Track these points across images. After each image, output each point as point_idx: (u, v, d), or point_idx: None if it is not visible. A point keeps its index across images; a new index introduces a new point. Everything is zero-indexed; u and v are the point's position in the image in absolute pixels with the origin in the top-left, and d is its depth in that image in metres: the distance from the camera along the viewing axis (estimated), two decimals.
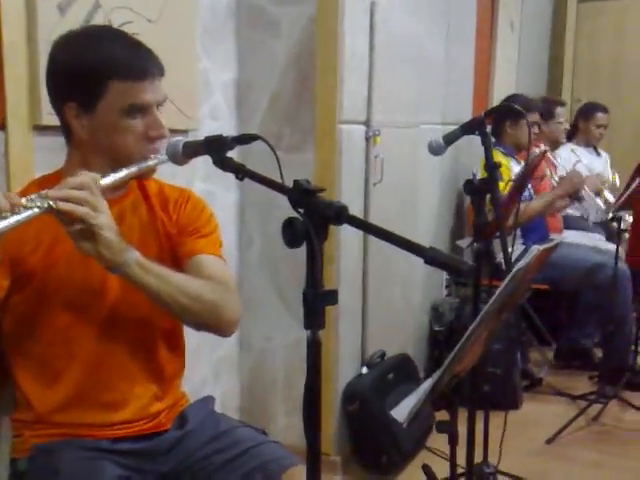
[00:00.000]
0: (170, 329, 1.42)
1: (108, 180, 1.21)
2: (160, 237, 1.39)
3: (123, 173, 1.24)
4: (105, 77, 1.24)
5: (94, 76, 1.24)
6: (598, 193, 3.60)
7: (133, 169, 1.26)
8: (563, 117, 4.07)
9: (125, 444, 1.35)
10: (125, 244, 1.19)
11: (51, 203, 1.09)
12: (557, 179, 3.46)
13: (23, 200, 1.07)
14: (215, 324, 1.34)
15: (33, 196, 1.09)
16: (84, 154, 1.31)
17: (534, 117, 3.36)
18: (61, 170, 1.37)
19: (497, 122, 3.41)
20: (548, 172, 3.47)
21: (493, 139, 3.43)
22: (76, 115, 1.27)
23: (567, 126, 4.22)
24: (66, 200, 1.11)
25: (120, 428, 1.35)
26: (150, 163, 1.29)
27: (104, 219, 1.14)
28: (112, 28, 1.37)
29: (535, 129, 3.38)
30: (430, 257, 0.92)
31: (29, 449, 1.32)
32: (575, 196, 3.32)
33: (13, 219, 1.04)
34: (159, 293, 1.23)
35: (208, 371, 2.39)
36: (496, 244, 2.20)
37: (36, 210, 1.07)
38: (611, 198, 3.57)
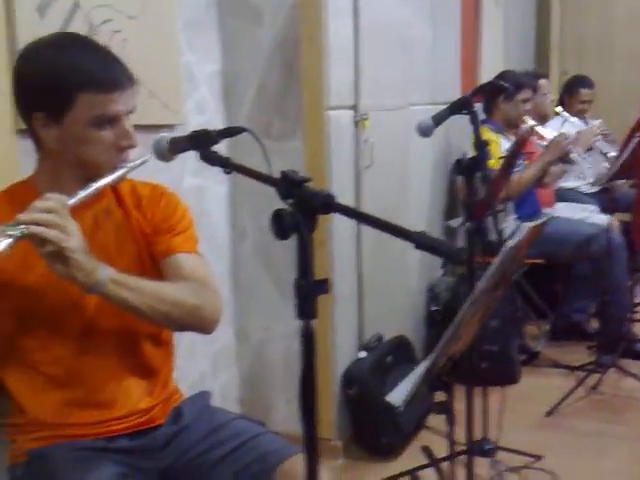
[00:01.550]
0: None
1: (75, 200, 1.21)
2: (136, 237, 1.39)
3: (91, 189, 1.25)
4: (74, 89, 1.22)
5: (62, 88, 1.22)
6: (590, 149, 3.60)
7: (101, 183, 1.26)
8: (547, 89, 4.06)
9: (121, 441, 1.36)
10: (97, 263, 1.19)
11: (23, 229, 1.10)
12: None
13: None
14: (196, 325, 1.35)
15: (4, 227, 1.10)
16: (54, 164, 1.31)
17: (526, 94, 3.36)
18: (30, 178, 1.36)
19: (489, 99, 3.41)
20: (540, 144, 3.46)
21: (484, 116, 3.44)
22: (44, 125, 1.26)
23: (552, 97, 4.21)
24: (36, 224, 1.12)
25: (114, 424, 1.35)
26: (119, 174, 1.29)
27: (74, 242, 1.15)
28: (80, 36, 1.33)
29: (527, 105, 3.38)
30: (419, 241, 0.92)
31: (24, 454, 1.33)
32: (566, 159, 3.30)
33: None
34: (137, 306, 1.24)
35: (206, 365, 2.39)
36: (489, 221, 2.21)
37: (9, 241, 1.09)
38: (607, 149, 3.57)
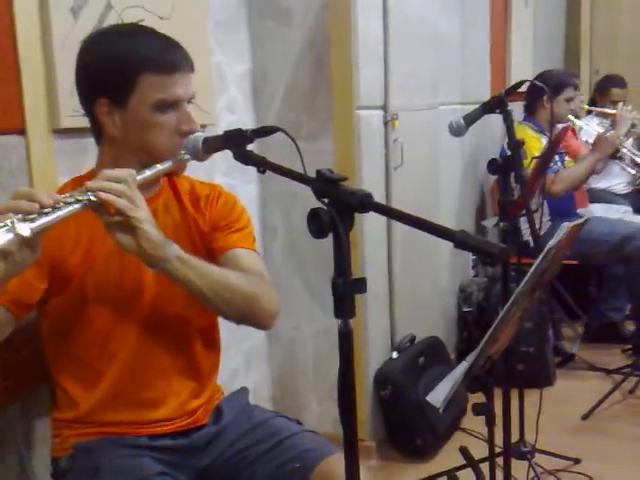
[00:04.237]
0: (206, 325, 1.42)
1: (143, 176, 1.19)
2: (193, 235, 1.39)
3: (157, 169, 1.22)
4: (136, 71, 1.23)
5: (125, 70, 1.23)
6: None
7: (166, 164, 1.24)
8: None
9: (164, 440, 1.36)
10: (164, 238, 1.17)
11: (91, 196, 1.08)
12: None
13: (62, 196, 1.05)
14: (255, 315, 1.34)
15: (73, 192, 1.08)
16: (116, 152, 1.30)
17: (569, 92, 3.32)
18: (93, 171, 1.36)
19: (532, 98, 3.37)
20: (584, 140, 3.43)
21: (524, 114, 3.39)
22: (108, 112, 1.26)
23: (582, 97, 4.15)
24: (105, 191, 1.09)
25: (159, 425, 1.36)
26: (182, 158, 1.27)
27: (143, 213, 1.13)
28: (141, 25, 1.36)
29: (572, 104, 3.34)
30: (460, 241, 0.90)
31: (69, 448, 1.33)
32: (615, 156, 3.26)
33: (54, 215, 1.02)
34: (201, 288, 1.22)
35: (239, 362, 2.40)
36: (522, 222, 2.17)
37: (77, 206, 1.05)
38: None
